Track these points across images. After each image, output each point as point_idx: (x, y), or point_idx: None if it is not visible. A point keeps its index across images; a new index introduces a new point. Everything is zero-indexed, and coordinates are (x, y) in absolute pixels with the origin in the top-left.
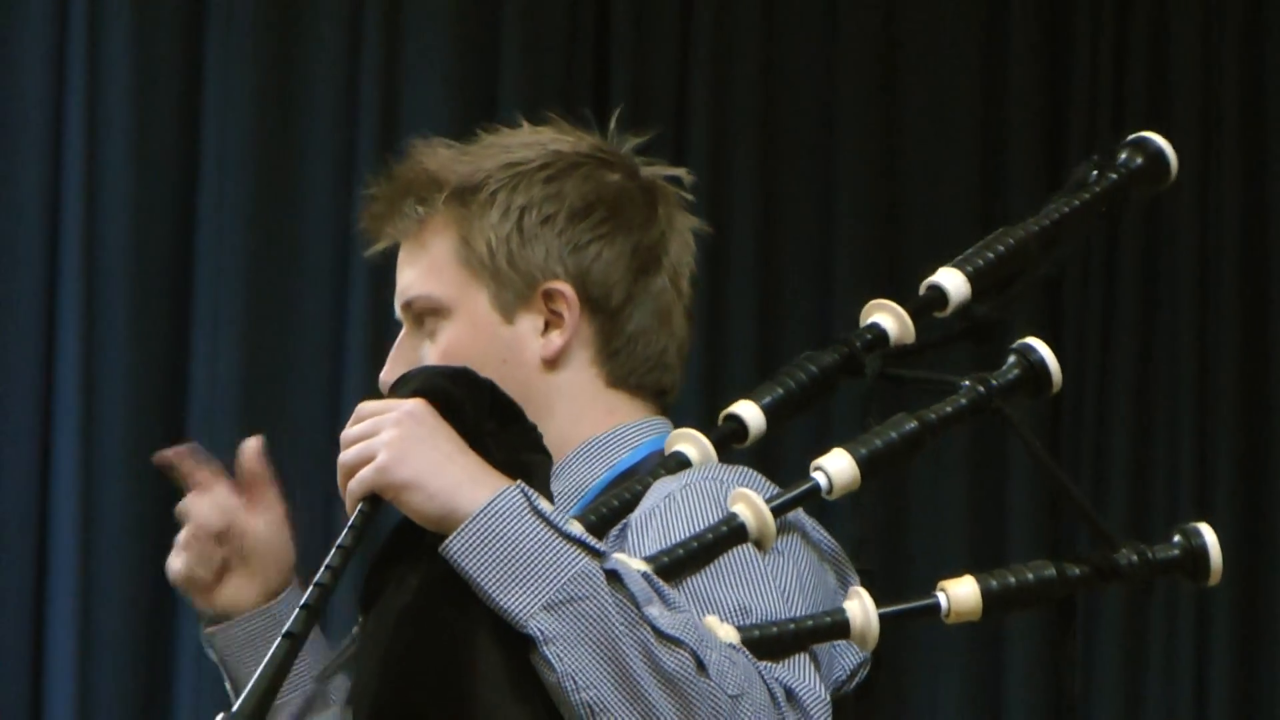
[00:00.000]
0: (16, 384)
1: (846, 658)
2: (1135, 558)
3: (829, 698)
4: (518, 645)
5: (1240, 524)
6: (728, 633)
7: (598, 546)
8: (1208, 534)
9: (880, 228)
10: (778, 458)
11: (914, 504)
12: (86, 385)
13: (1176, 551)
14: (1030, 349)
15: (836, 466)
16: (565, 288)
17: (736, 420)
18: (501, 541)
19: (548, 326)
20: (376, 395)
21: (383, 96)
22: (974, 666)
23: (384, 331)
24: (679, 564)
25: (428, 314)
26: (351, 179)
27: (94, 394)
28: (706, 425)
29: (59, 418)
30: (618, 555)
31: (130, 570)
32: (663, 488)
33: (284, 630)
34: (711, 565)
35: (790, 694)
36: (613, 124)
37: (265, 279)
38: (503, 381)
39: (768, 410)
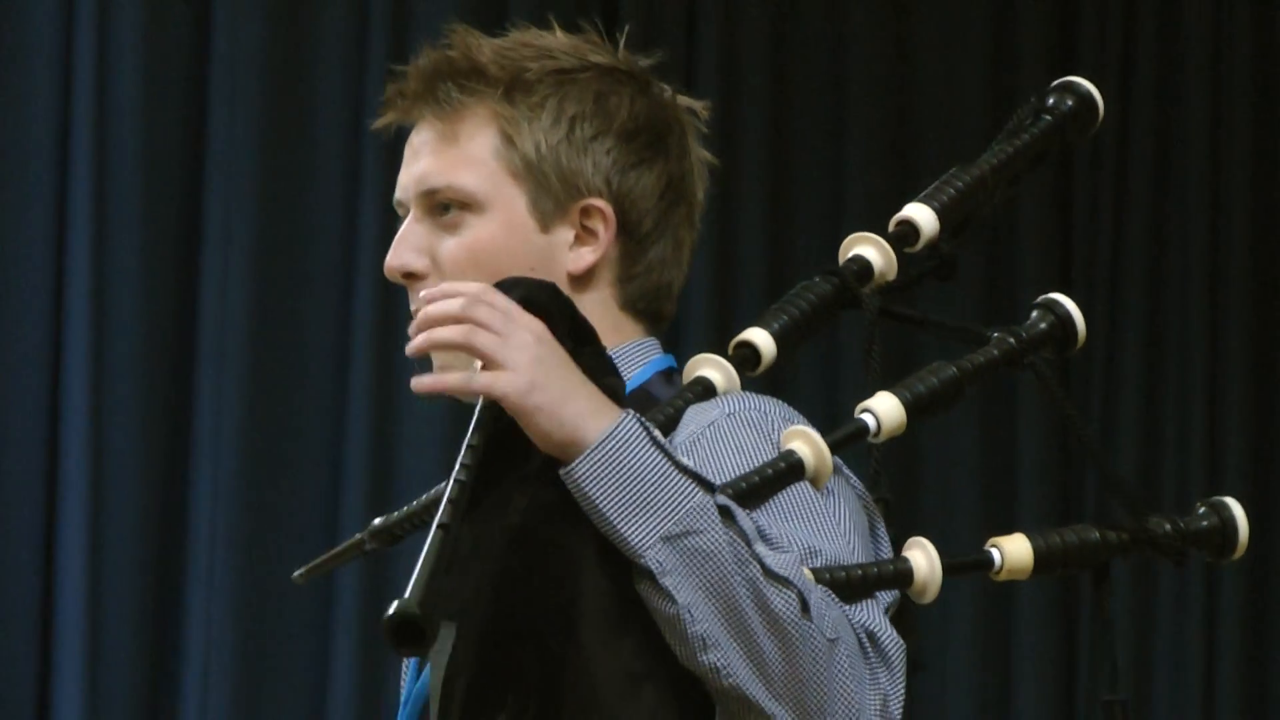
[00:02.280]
0: (23, 383)
1: (883, 597)
2: (1169, 527)
3: (904, 641)
4: (621, 575)
5: (1249, 486)
6: (806, 575)
7: (710, 481)
8: (1236, 509)
9: (890, 164)
10: (778, 389)
11: (925, 454)
12: (94, 386)
13: (1207, 524)
14: (1056, 303)
15: (884, 408)
16: (606, 206)
17: (749, 347)
18: (624, 470)
19: (577, 241)
20: (384, 371)
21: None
22: (984, 626)
23: (392, 312)
24: (738, 498)
25: (454, 205)
26: (360, 108)
27: (101, 394)
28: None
29: (66, 417)
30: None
31: (137, 570)
32: (701, 415)
33: (436, 521)
34: (772, 503)
35: (873, 638)
36: (621, 42)
37: (272, 277)
38: None
39: (778, 337)
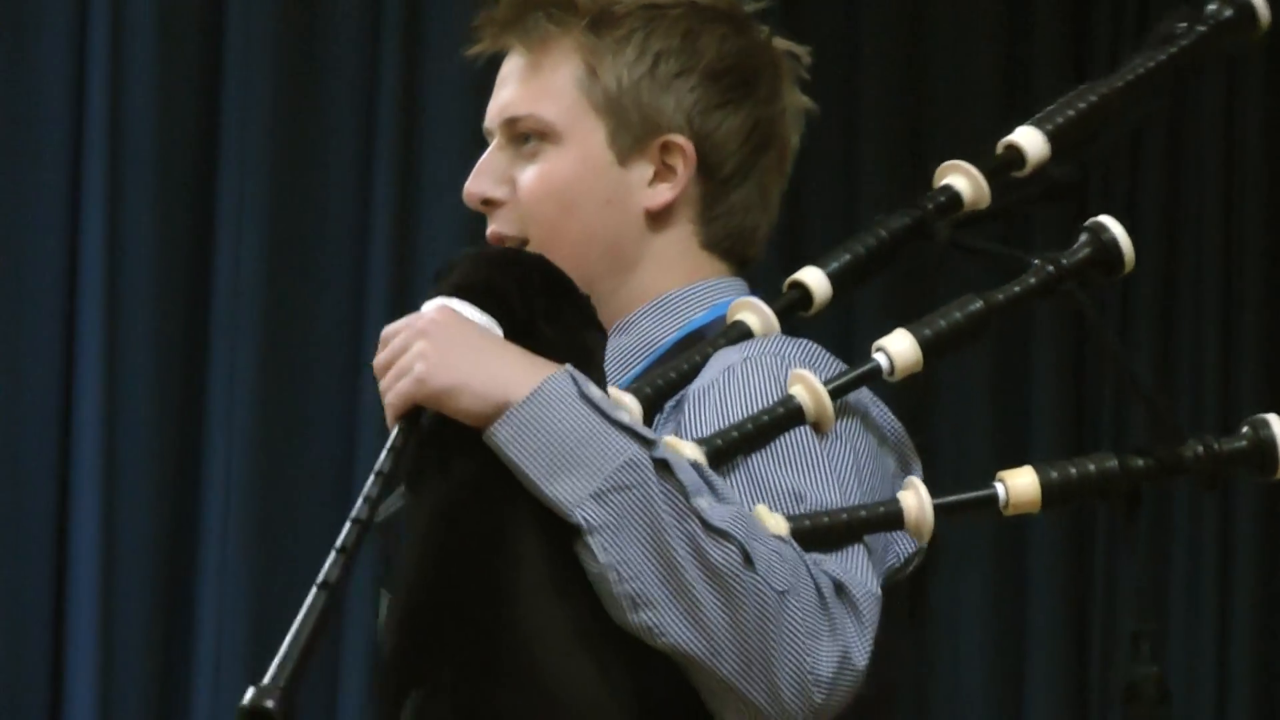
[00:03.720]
0: (36, 367)
1: (901, 544)
2: (1201, 449)
3: (880, 590)
4: (563, 539)
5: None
6: (778, 523)
7: (647, 434)
8: (1276, 424)
9: (902, 143)
10: (848, 330)
11: (938, 388)
12: (108, 381)
13: (1244, 443)
14: (1103, 227)
15: (899, 347)
16: (686, 143)
17: (801, 288)
18: (549, 429)
19: (656, 178)
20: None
21: None
22: (997, 563)
23: (406, 290)
24: (733, 446)
25: (534, 135)
26: (374, 93)
27: (115, 388)
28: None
29: (79, 402)
30: (669, 440)
31: (150, 567)
32: (723, 359)
33: (319, 580)
34: (767, 448)
35: (840, 588)
36: None
37: (285, 257)
38: (602, 224)
39: (834, 277)
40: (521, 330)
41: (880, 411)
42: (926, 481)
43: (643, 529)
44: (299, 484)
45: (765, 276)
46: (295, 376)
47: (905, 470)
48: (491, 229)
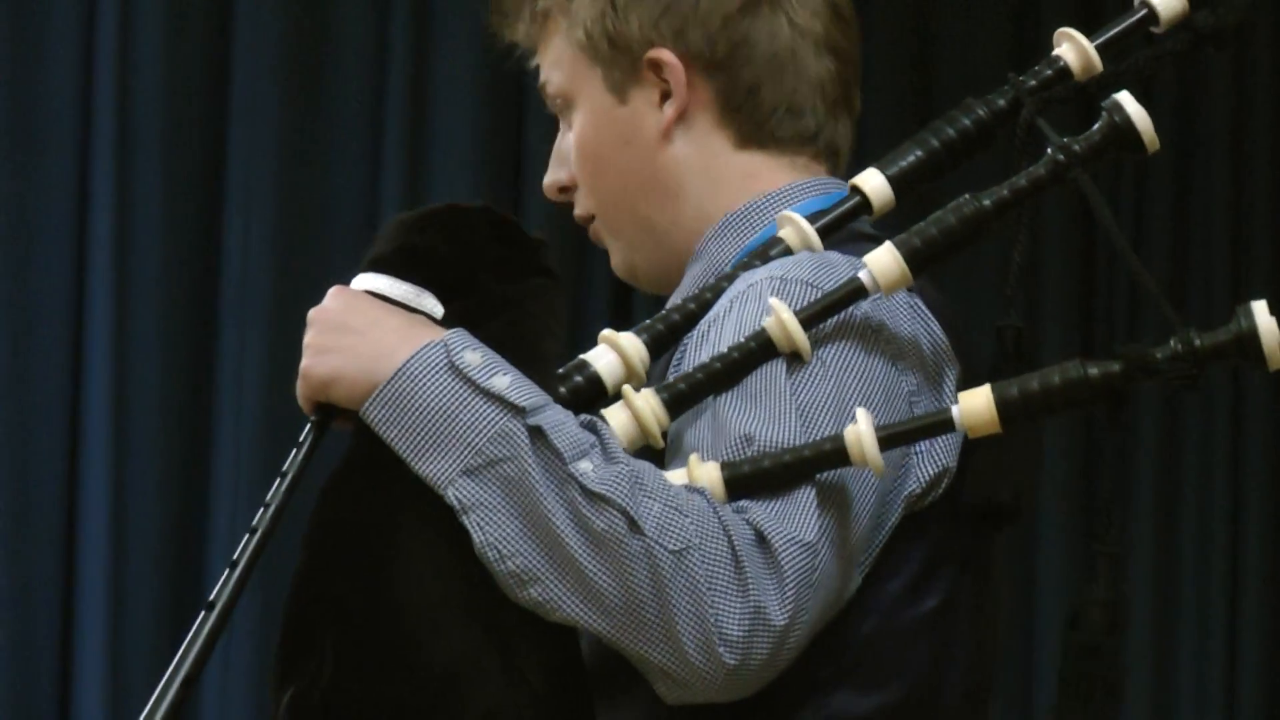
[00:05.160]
0: (45, 355)
1: (924, 468)
2: (1179, 346)
3: (815, 537)
4: (451, 513)
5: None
6: (707, 473)
7: (523, 401)
8: (1260, 312)
9: (910, 120)
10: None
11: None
12: (117, 370)
13: (1227, 336)
14: (1118, 106)
15: (881, 263)
16: (664, 53)
17: (859, 192)
18: (416, 404)
19: (663, 99)
20: None
21: None
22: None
23: None
24: (698, 387)
25: (561, 107)
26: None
27: (123, 377)
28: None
29: (88, 387)
30: (626, 390)
31: (159, 556)
32: (736, 287)
33: (209, 599)
34: (737, 387)
35: (761, 538)
36: None
37: (294, 242)
38: (630, 164)
39: (897, 179)
40: (458, 287)
41: (912, 318)
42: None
43: (518, 503)
44: (307, 472)
45: None
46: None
47: (936, 383)
48: (574, 212)
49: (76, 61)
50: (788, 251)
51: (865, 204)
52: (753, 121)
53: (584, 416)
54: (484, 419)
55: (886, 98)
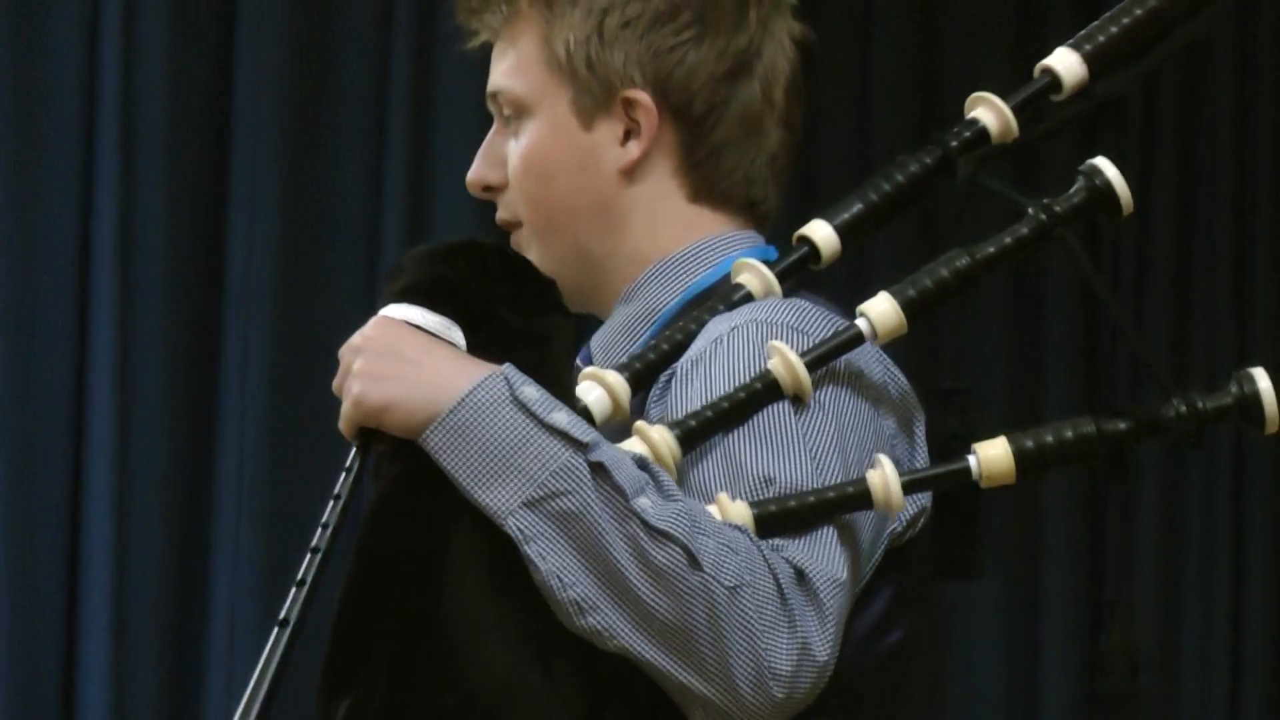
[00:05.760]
0: (49, 347)
1: (905, 507)
2: (1184, 408)
3: (847, 575)
4: (506, 540)
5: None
6: (739, 511)
7: (584, 437)
8: (1261, 378)
9: (916, 55)
10: (868, 281)
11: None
12: (120, 371)
13: (1229, 400)
14: (1096, 170)
15: (879, 310)
16: (643, 95)
17: (808, 243)
18: (479, 436)
19: (627, 135)
20: None
21: None
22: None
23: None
24: (708, 425)
25: (513, 110)
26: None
27: (127, 378)
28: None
29: (92, 381)
30: (638, 424)
31: (163, 559)
32: (714, 328)
33: (280, 617)
34: (744, 427)
35: (800, 576)
36: None
37: (298, 234)
38: (580, 190)
39: (842, 229)
40: (482, 321)
41: (882, 367)
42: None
43: (580, 535)
44: (312, 475)
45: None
46: (307, 367)
47: (908, 429)
48: (497, 215)
49: (80, 60)
50: (750, 296)
51: (814, 253)
52: (708, 180)
53: (635, 453)
54: (547, 453)
55: (891, 95)
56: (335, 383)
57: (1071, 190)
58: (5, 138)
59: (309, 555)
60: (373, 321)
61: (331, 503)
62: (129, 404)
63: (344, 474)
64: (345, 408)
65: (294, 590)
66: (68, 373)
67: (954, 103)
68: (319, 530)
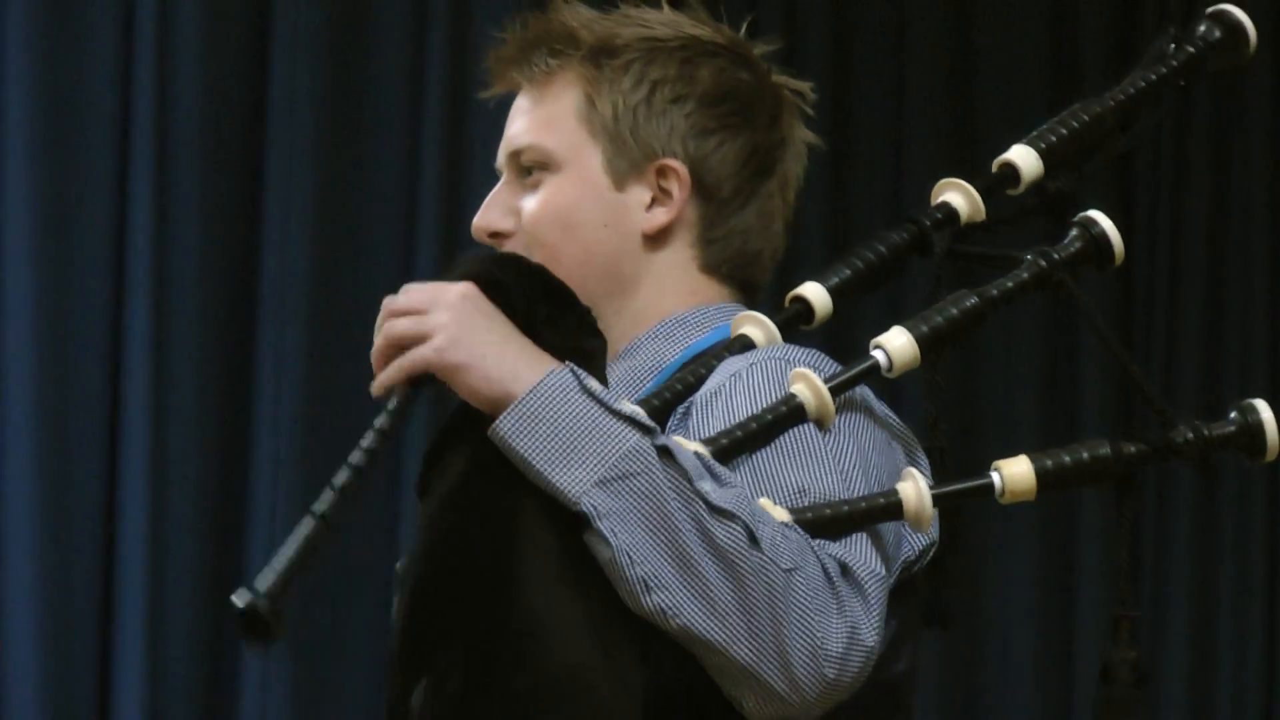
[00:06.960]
0: (84, 346)
1: (917, 537)
2: (1191, 435)
3: (885, 572)
4: (568, 527)
5: None
6: (780, 514)
7: (649, 423)
8: (1263, 409)
9: (953, 106)
10: (850, 342)
11: (984, 383)
12: (156, 367)
13: (1232, 428)
14: (1092, 221)
15: (896, 344)
16: (680, 167)
17: (802, 302)
18: (552, 420)
19: (654, 202)
20: None
21: None
22: (1047, 541)
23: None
24: (738, 444)
25: (536, 166)
26: (423, 52)
27: (162, 374)
28: (777, 309)
29: (127, 379)
30: (676, 439)
31: (199, 554)
32: (729, 367)
33: (312, 508)
34: (771, 445)
35: (845, 568)
36: (725, 20)
37: (333, 232)
38: (599, 244)
39: (834, 291)
40: (522, 331)
41: (882, 407)
42: (967, 472)
43: (649, 513)
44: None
45: (801, 276)
46: (343, 362)
47: (914, 463)
48: None
49: (115, 62)
50: (752, 344)
51: (808, 311)
52: (720, 256)
53: (693, 448)
54: (618, 436)
55: (927, 108)
56: (398, 305)
57: (1067, 239)
58: (40, 139)
59: (344, 468)
60: (462, 287)
61: (371, 433)
62: (163, 404)
63: (388, 414)
64: (422, 351)
65: (327, 490)
66: (102, 373)
67: (988, 151)
68: (357, 450)
